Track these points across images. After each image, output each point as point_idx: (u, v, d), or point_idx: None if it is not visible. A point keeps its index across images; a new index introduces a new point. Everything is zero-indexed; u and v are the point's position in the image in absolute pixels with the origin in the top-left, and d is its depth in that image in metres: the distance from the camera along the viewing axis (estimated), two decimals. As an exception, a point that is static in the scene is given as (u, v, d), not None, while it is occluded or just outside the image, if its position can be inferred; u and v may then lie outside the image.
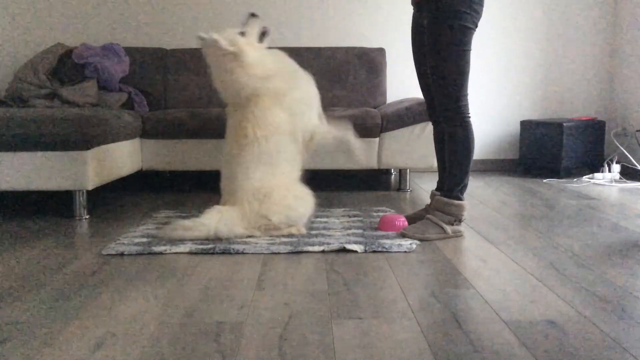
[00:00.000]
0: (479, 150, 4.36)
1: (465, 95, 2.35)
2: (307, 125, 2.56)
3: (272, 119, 2.45)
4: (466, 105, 2.36)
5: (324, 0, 4.28)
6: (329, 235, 2.43)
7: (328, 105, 3.26)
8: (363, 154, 2.57)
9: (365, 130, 3.41)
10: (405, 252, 2.22)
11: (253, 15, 2.53)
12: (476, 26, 2.31)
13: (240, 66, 2.43)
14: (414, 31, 2.51)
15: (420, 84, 2.57)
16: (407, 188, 3.63)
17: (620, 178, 3.93)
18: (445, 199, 2.42)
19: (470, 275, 1.94)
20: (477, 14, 2.29)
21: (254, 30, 2.51)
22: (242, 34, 2.48)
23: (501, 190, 3.60)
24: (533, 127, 4.22)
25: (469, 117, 2.38)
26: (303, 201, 2.46)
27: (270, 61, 2.53)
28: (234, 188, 2.43)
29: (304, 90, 2.58)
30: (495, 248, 2.28)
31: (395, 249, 2.24)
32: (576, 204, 3.13)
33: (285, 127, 2.47)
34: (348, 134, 2.70)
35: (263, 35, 2.55)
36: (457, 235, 2.44)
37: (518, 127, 4.42)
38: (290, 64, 2.61)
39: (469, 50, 2.31)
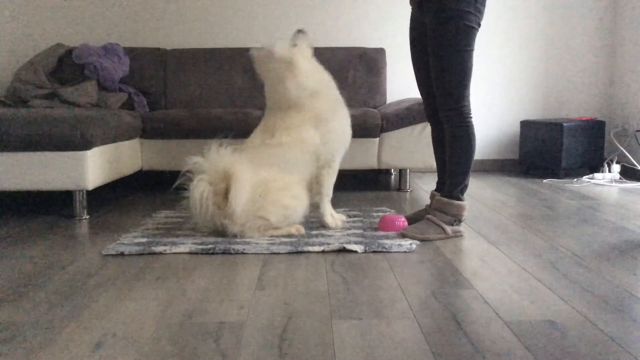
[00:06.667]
0: (479, 150, 4.36)
1: (468, 95, 2.35)
2: (327, 157, 2.54)
3: (303, 134, 2.48)
4: (468, 106, 2.36)
5: (324, 0, 4.28)
6: (329, 235, 2.43)
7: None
8: (332, 224, 2.58)
9: (365, 130, 3.41)
10: (405, 252, 2.22)
11: (300, 31, 2.58)
12: (479, 26, 2.30)
13: (293, 75, 2.47)
14: (413, 30, 2.50)
15: (418, 83, 2.56)
16: (407, 188, 3.63)
17: (620, 178, 3.93)
18: (446, 199, 2.42)
19: (470, 275, 1.94)
20: (480, 13, 2.29)
21: (303, 44, 2.57)
22: (294, 46, 2.54)
23: (501, 190, 3.60)
24: (533, 127, 4.22)
25: (471, 117, 2.38)
26: (299, 200, 2.46)
27: (319, 78, 2.56)
28: None
29: (343, 125, 2.59)
30: (495, 248, 2.28)
31: (395, 249, 2.24)
32: (576, 204, 3.13)
33: (311, 146, 2.49)
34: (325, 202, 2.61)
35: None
36: (457, 235, 2.44)
37: (518, 127, 4.42)
38: (335, 90, 2.62)
39: (472, 50, 2.30)
